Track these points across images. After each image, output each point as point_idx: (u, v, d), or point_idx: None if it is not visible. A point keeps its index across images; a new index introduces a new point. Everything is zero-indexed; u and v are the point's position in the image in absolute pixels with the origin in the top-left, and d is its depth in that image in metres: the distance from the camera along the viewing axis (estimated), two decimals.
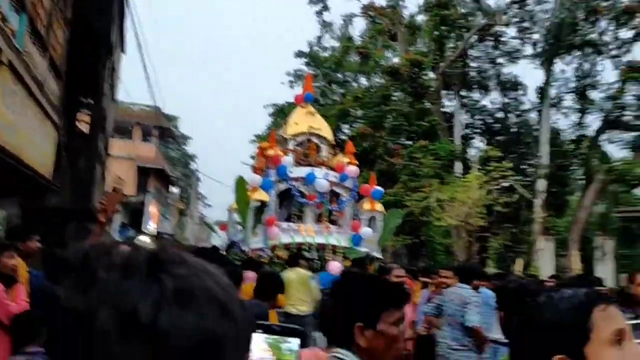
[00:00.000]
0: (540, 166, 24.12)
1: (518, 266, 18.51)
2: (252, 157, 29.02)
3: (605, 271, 15.24)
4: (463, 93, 26.86)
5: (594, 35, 24.61)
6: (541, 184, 24.01)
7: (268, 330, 1.56)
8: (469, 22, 25.39)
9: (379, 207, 13.07)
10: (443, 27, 23.99)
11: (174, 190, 31.84)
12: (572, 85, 25.68)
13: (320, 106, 23.46)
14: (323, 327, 3.41)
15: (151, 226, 22.80)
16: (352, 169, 13.07)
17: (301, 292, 8.04)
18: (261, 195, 12.19)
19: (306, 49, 29.77)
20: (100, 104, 12.07)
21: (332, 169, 13.13)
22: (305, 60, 29.32)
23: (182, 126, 43.97)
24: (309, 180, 12.60)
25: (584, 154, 24.66)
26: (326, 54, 28.99)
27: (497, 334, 5.48)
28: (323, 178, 12.63)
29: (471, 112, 28.49)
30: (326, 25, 29.34)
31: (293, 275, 8.04)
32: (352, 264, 9.57)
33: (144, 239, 20.44)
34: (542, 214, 23.73)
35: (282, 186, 12.87)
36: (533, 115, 27.15)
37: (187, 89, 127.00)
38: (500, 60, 26.56)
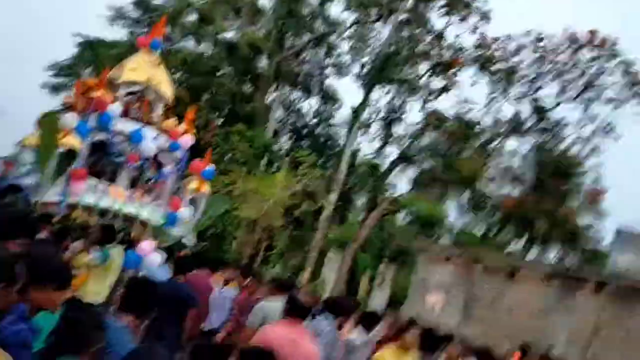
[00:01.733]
0: (337, 180, 25.06)
1: (306, 274, 18.86)
2: (44, 87, 24.83)
3: (383, 297, 16.18)
4: (286, 89, 26.75)
5: (411, 77, 26.64)
6: (333, 197, 24.99)
7: None
8: (312, 24, 25.35)
9: (206, 188, 11.68)
10: (289, 19, 23.48)
11: None
12: (382, 115, 27.42)
13: None
14: None
15: None
16: (187, 140, 11.50)
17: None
18: (73, 140, 9.96)
19: None
20: None
21: (163, 132, 11.40)
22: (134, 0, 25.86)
23: None
24: (135, 138, 10.72)
25: (378, 179, 26.36)
26: (158, 2, 26.08)
27: None
28: (152, 140, 10.88)
29: (287, 109, 28.51)
30: None
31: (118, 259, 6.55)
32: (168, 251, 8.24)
33: None
34: (327, 225, 24.70)
35: (100, 136, 10.76)
36: (341, 131, 28.21)
37: None
38: (328, 70, 27.13)
